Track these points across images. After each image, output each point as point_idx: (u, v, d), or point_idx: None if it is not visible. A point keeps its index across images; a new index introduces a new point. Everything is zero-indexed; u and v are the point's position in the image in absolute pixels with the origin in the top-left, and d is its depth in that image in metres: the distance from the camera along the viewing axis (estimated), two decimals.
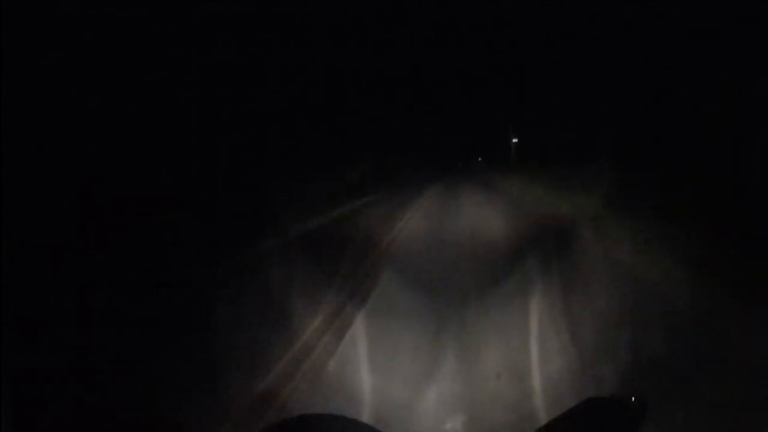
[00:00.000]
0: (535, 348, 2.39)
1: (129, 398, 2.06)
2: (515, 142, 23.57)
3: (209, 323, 2.75)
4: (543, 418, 1.84)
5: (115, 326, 2.73)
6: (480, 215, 6.70)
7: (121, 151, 5.44)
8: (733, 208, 3.76)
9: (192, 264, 3.65)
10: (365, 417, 1.96)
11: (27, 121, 4.17)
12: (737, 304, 2.46)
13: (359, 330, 2.74)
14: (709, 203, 4.10)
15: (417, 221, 6.75)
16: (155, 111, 6.01)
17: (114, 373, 2.28)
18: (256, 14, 7.70)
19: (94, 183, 4.84)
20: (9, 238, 2.83)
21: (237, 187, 6.17)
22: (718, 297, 2.60)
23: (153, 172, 5.71)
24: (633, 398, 1.10)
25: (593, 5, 10.17)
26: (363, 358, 2.46)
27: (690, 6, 7.66)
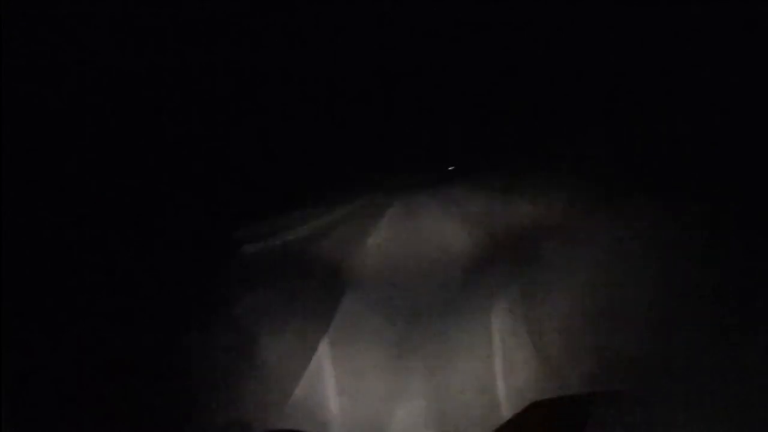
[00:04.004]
0: (498, 361, 2.46)
1: (130, 398, 2.16)
2: None
3: (177, 351, 2.78)
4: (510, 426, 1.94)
5: (115, 326, 2.79)
6: (440, 230, 6.54)
7: (121, 151, 5.48)
8: (729, 206, 3.77)
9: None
10: None
11: (27, 120, 4.22)
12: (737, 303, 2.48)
13: (324, 354, 2.79)
14: (708, 203, 4.09)
15: (377, 241, 6.58)
16: (155, 111, 6.04)
17: (115, 372, 2.37)
18: (256, 14, 7.69)
19: (95, 183, 4.89)
20: (9, 238, 2.90)
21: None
22: (718, 297, 2.63)
23: (153, 172, 5.73)
24: (598, 399, 1.10)
25: (591, 5, 10.04)
26: (330, 382, 2.51)
27: (690, 6, 7.59)
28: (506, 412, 2.05)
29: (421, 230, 7.14)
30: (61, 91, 4.36)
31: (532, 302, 3.01)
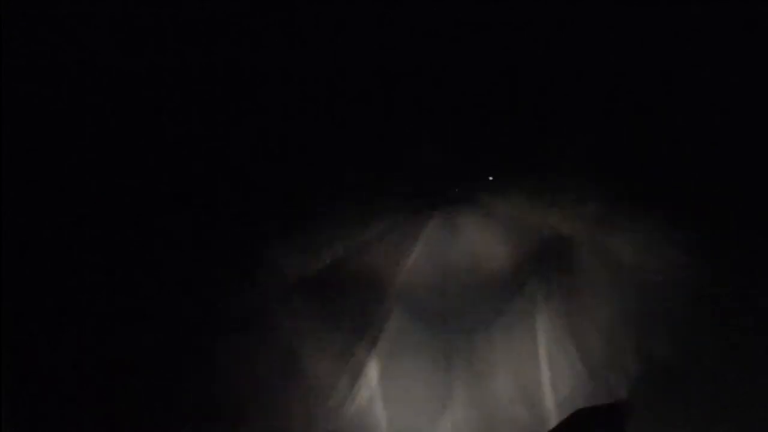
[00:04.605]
0: (545, 369, 2.46)
1: (129, 398, 2.12)
2: None
3: (216, 370, 2.78)
4: None
5: (116, 327, 2.77)
6: (480, 240, 6.63)
7: (121, 151, 5.47)
8: (733, 209, 3.75)
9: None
10: None
11: (27, 120, 4.21)
12: (738, 305, 2.48)
13: (371, 366, 2.83)
14: (710, 204, 4.08)
15: (419, 254, 6.65)
16: (155, 111, 6.01)
17: (116, 372, 2.37)
18: (256, 14, 7.68)
19: (95, 183, 4.88)
20: (9, 238, 2.89)
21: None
22: (720, 297, 2.63)
23: (153, 172, 5.70)
24: (642, 405, 1.09)
25: (591, 5, 10.06)
26: (378, 394, 2.53)
27: (690, 6, 7.58)
28: (554, 420, 2.03)
29: (462, 241, 7.06)
30: (61, 91, 4.33)
31: (571, 308, 3.02)
